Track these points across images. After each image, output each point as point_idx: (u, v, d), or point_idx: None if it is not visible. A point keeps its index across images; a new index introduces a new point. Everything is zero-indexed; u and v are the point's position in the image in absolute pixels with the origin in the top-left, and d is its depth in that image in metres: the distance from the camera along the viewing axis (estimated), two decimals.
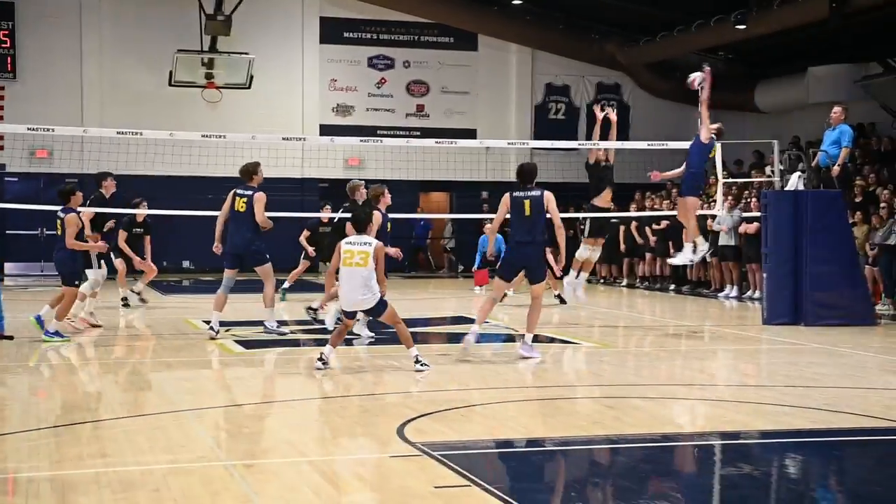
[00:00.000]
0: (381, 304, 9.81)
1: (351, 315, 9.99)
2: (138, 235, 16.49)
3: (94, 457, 6.46)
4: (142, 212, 16.22)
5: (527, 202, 10.61)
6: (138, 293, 16.62)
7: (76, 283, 12.17)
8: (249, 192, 12.12)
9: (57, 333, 11.97)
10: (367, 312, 10.12)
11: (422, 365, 9.85)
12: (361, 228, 9.89)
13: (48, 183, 24.44)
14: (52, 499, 5.57)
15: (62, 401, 8.40)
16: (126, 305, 16.28)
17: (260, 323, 13.55)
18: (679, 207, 13.60)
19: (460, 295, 19.63)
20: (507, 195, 10.80)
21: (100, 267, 13.64)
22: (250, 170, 12.33)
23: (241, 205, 12.11)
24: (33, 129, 16.24)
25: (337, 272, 9.97)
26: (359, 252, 9.65)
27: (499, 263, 11.19)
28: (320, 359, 9.89)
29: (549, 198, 10.72)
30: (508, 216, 11.00)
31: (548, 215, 10.83)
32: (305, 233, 17.69)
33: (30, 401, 8.43)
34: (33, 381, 9.33)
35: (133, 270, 16.85)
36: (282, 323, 12.82)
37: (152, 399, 8.56)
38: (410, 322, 14.01)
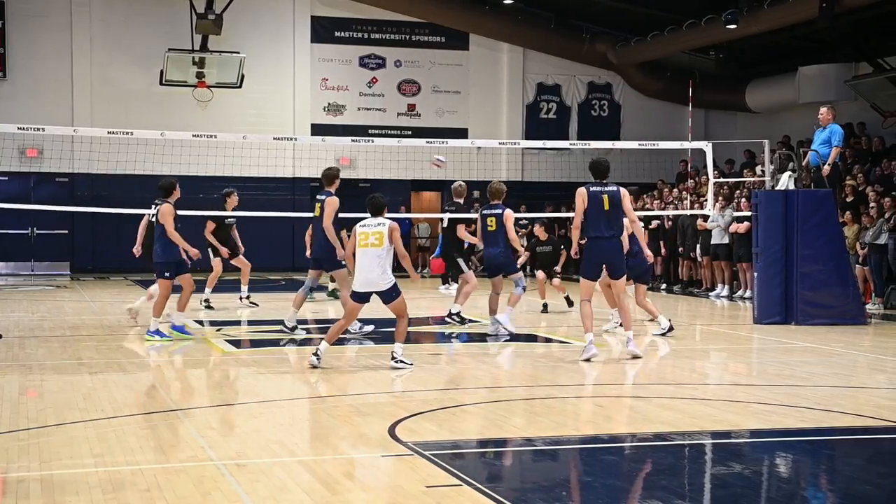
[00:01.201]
0: (395, 291, 9.83)
1: (363, 298, 9.95)
2: (230, 225, 15.86)
3: (84, 457, 6.44)
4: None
5: (605, 197, 10.53)
6: (215, 295, 15.89)
7: (166, 274, 12.06)
8: (324, 197, 12.35)
9: (181, 328, 12.07)
10: (379, 295, 9.99)
11: (399, 363, 9.84)
12: (377, 212, 9.95)
13: (38, 182, 24.46)
14: (42, 499, 5.55)
15: (52, 400, 8.38)
16: (209, 307, 15.53)
17: (254, 323, 13.58)
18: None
19: (432, 295, 19.59)
20: (583, 189, 10.63)
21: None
22: (332, 174, 12.54)
23: (318, 209, 12.39)
24: (23, 129, 16.23)
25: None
26: (373, 233, 9.76)
27: (581, 264, 10.91)
28: (315, 354, 9.91)
29: (626, 194, 10.72)
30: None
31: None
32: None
33: (19, 400, 8.40)
34: (23, 381, 9.29)
35: (231, 267, 16.14)
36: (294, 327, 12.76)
37: (143, 399, 8.54)
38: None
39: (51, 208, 20.09)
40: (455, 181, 14.69)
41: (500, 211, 12.68)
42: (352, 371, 10.16)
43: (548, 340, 12.57)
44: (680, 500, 5.69)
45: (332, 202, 12.15)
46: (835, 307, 14.17)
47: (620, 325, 13.08)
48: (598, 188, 10.60)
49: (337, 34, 26.44)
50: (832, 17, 19.94)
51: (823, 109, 15.60)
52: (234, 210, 15.98)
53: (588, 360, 10.50)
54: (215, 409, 8.28)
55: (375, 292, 9.92)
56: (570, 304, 16.35)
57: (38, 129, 16.22)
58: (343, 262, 12.31)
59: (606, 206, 10.50)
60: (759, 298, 14.37)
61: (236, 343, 12.12)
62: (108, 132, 16.70)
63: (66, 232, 24.78)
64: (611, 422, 7.89)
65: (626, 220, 11.08)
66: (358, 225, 9.99)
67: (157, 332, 11.98)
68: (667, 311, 17.04)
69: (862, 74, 22.57)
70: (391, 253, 9.81)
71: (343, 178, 26.96)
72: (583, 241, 10.86)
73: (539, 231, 17.01)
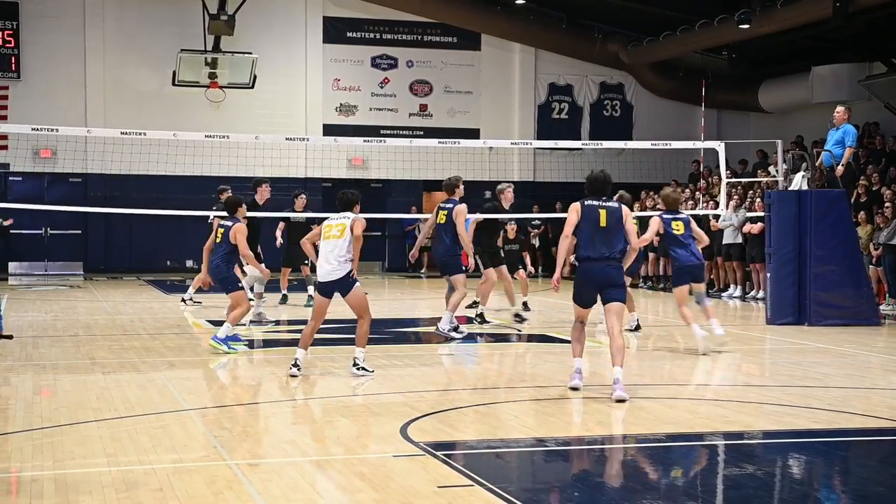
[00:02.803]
0: (351, 280, 9.53)
1: (325, 291, 9.68)
2: (302, 225, 15.87)
3: (97, 456, 6.46)
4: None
5: (603, 212, 9.11)
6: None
7: (238, 286, 11.66)
8: (450, 206, 12.69)
9: (233, 338, 11.48)
10: (337, 285, 9.62)
11: (360, 370, 9.64)
12: (345, 207, 9.83)
13: (52, 182, 24.56)
14: (55, 498, 5.57)
15: (65, 400, 8.41)
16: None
17: (251, 323, 13.62)
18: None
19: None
20: (577, 203, 9.25)
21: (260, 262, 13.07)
22: (453, 183, 12.88)
23: (442, 217, 12.70)
24: (37, 129, 16.30)
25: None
26: (336, 225, 9.68)
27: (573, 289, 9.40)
28: (295, 365, 9.63)
29: (628, 212, 9.28)
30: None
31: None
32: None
33: (33, 400, 8.44)
34: (37, 381, 9.33)
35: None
36: (454, 328, 12.80)
37: (155, 398, 8.56)
38: (407, 322, 14.06)
39: (64, 208, 20.16)
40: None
41: (685, 216, 12.13)
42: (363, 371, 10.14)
43: (564, 342, 12.53)
44: (692, 500, 5.68)
45: (463, 210, 12.62)
46: (848, 308, 14.12)
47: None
48: (596, 202, 9.20)
49: (349, 35, 26.47)
50: (846, 16, 19.86)
51: (840, 109, 15.53)
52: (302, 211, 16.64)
53: (575, 388, 9.00)
54: (227, 409, 8.30)
55: (334, 282, 9.57)
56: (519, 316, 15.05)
57: (52, 130, 16.28)
58: (463, 268, 12.80)
59: (603, 223, 9.12)
60: (772, 299, 14.33)
61: (249, 343, 12.13)
62: (121, 133, 16.76)
63: (80, 232, 24.88)
64: (622, 422, 7.87)
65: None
66: (326, 219, 9.92)
67: (229, 340, 11.44)
68: (678, 311, 16.96)
69: (876, 74, 22.47)
70: (351, 245, 9.54)
71: (355, 179, 27.11)
72: (563, 270, 9.64)
73: (510, 229, 16.80)
